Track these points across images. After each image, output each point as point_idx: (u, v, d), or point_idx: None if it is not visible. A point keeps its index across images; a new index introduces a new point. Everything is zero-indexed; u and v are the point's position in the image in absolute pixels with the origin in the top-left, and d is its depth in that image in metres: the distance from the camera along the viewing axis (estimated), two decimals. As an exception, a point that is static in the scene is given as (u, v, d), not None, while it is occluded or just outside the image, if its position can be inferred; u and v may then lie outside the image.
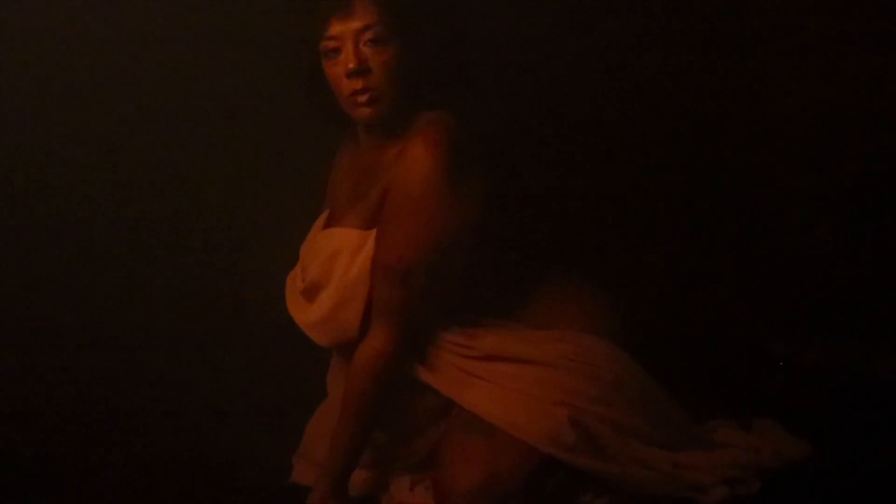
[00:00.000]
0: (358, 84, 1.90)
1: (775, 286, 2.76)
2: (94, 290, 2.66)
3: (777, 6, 2.71)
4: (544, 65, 2.59)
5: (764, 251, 2.79)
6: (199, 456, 2.20)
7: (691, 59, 2.72)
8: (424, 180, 1.88)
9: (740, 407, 2.26)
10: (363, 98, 1.90)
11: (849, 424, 2.24)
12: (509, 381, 1.96)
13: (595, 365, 2.00)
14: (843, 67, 2.68)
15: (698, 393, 2.26)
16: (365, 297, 1.95)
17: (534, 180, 2.48)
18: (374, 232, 1.94)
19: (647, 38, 2.64)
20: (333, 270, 1.96)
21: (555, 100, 2.60)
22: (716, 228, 2.78)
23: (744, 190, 2.80)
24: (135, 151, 2.67)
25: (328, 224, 2.06)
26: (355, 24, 1.89)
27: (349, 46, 1.89)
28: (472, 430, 1.92)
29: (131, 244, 2.68)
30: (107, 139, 2.67)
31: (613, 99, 2.66)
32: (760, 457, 2.08)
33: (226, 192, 2.65)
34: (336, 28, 1.90)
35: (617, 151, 2.70)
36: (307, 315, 2.01)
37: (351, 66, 1.89)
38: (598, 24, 2.61)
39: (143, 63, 2.62)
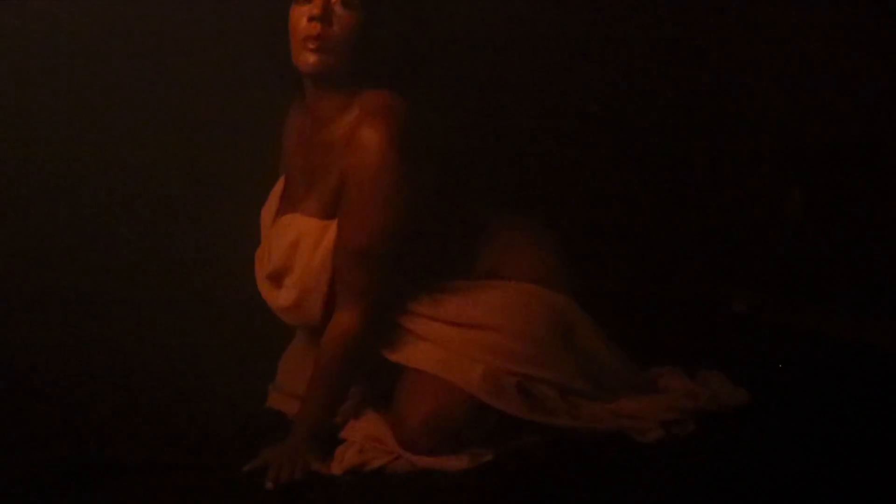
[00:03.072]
0: (314, 29, 1.96)
1: (742, 246, 2.88)
2: (85, 250, 2.80)
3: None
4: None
5: (733, 212, 2.91)
6: (185, 384, 2.35)
7: (662, 26, 2.84)
8: (380, 168, 1.95)
9: (694, 358, 2.36)
10: (313, 45, 1.96)
11: (808, 386, 2.36)
12: (460, 346, 2.07)
13: (545, 326, 2.11)
14: (813, 37, 2.79)
15: (652, 343, 2.42)
16: (327, 285, 2.03)
17: (488, 137, 2.60)
18: (333, 223, 2.02)
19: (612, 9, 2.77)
20: (295, 259, 2.05)
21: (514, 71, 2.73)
22: (687, 189, 2.91)
23: (716, 153, 2.92)
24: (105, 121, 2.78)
25: (285, 202, 2.14)
26: None
27: None
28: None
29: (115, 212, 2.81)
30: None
31: (578, 61, 2.78)
32: (697, 401, 2.20)
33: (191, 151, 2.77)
34: None
35: (585, 107, 2.82)
36: (275, 299, 2.11)
37: (315, 11, 1.95)
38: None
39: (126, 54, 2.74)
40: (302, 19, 1.98)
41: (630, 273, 2.77)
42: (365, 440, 2.05)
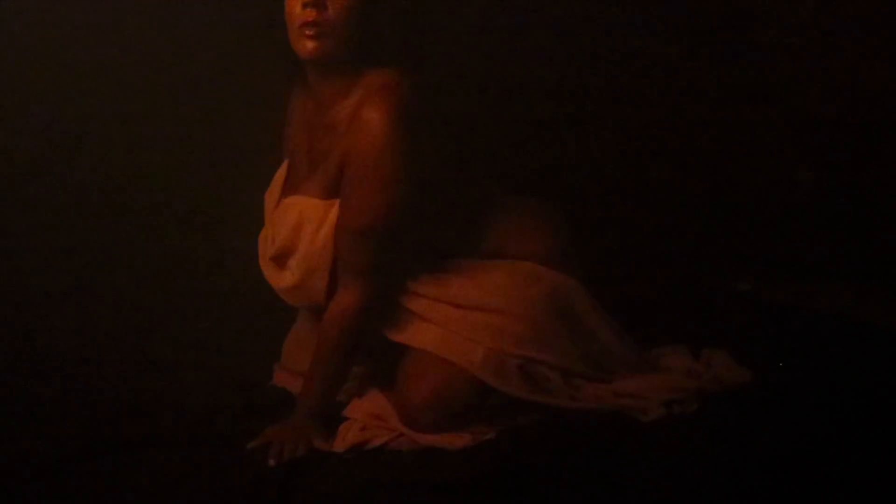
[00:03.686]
0: (310, 15, 1.95)
1: (748, 225, 2.89)
2: (93, 236, 2.85)
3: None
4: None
5: (739, 190, 2.91)
6: (193, 363, 2.38)
7: (673, 4, 2.84)
8: (381, 147, 1.95)
9: (698, 337, 2.37)
10: (311, 31, 1.95)
11: (811, 364, 2.34)
12: (462, 328, 2.08)
13: (547, 308, 2.12)
14: (825, 15, 2.79)
15: (657, 322, 2.43)
16: (330, 265, 2.05)
17: (493, 116, 2.60)
18: (335, 202, 2.03)
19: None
20: (299, 240, 2.06)
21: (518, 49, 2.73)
22: (693, 167, 2.91)
23: (723, 132, 2.91)
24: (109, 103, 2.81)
25: (289, 184, 2.15)
26: None
27: None
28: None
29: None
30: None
31: (586, 38, 2.78)
32: (699, 381, 2.20)
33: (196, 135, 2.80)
34: None
35: (591, 85, 2.82)
36: (279, 280, 2.13)
37: None
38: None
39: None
40: (297, 6, 1.97)
41: (635, 252, 2.78)
42: (367, 418, 2.07)
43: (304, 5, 1.96)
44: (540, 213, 2.25)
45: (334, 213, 2.04)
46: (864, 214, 2.81)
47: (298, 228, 2.07)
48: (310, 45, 1.98)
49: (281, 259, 2.12)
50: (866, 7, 2.73)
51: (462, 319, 2.09)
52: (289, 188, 2.15)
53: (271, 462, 1.94)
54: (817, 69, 2.82)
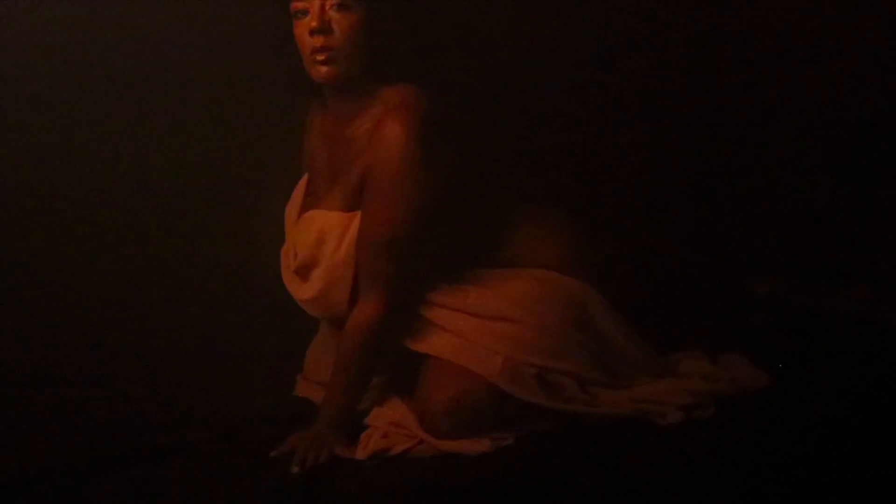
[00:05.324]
0: (318, 42, 2.00)
1: (765, 229, 2.88)
2: (127, 251, 2.90)
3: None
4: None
5: (757, 195, 2.91)
6: (219, 374, 2.43)
7: (689, 8, 2.84)
8: (402, 160, 2.00)
9: (716, 342, 2.38)
10: (321, 57, 2.00)
11: (829, 368, 2.35)
12: (481, 337, 2.11)
13: (564, 316, 2.15)
14: (842, 21, 2.79)
15: (675, 327, 2.45)
16: (352, 276, 2.08)
17: (507, 127, 2.62)
18: (356, 214, 2.07)
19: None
20: (321, 253, 2.09)
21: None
22: (710, 172, 2.91)
23: (741, 137, 2.90)
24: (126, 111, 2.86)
25: (310, 198, 2.18)
26: None
27: (316, 7, 2.00)
28: None
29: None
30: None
31: (601, 45, 2.79)
32: (716, 385, 2.21)
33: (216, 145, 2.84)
34: None
35: (607, 92, 2.82)
36: (301, 292, 2.15)
37: (314, 24, 1.99)
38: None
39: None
40: (304, 33, 2.02)
41: (651, 257, 2.79)
42: (388, 426, 2.09)
43: (312, 32, 2.00)
44: (555, 220, 2.27)
45: (355, 225, 2.08)
46: (882, 218, 2.81)
47: (321, 241, 2.10)
48: (322, 69, 2.02)
49: (304, 272, 2.14)
50: (881, 12, 2.73)
51: (480, 329, 2.12)
52: (309, 202, 2.18)
53: (295, 469, 1.96)
54: (836, 74, 2.82)
